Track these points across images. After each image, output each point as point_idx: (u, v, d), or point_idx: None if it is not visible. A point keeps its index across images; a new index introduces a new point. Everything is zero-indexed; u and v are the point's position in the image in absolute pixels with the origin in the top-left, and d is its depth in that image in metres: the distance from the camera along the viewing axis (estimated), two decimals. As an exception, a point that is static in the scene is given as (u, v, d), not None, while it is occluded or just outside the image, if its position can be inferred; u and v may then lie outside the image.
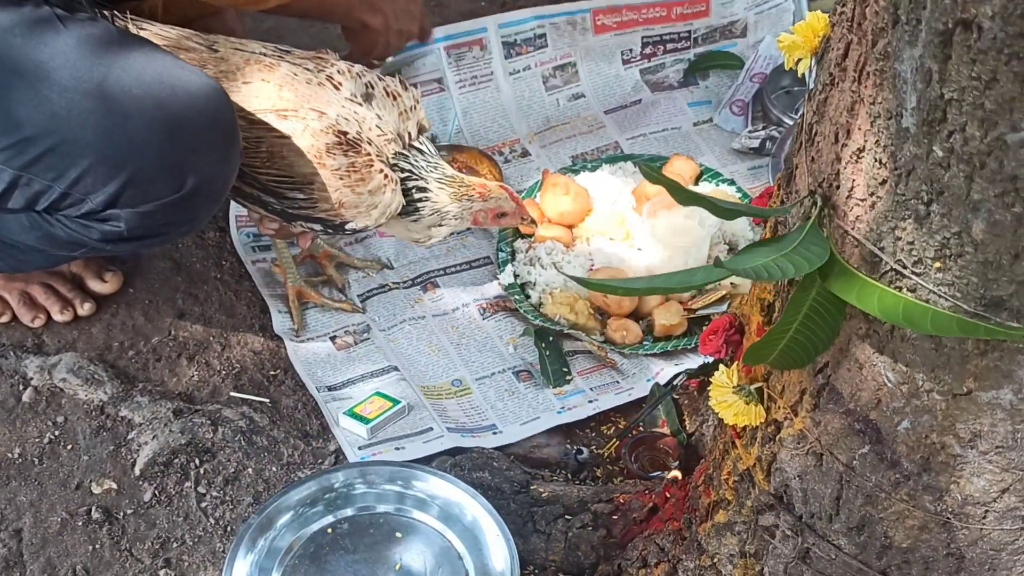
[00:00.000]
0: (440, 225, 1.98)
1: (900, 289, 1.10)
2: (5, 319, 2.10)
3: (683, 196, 1.20)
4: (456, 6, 2.77)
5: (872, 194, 1.09)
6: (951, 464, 1.22)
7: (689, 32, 2.61)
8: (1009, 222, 0.97)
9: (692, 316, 2.12)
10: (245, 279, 2.21)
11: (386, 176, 1.85)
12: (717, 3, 2.62)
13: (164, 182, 1.72)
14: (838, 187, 1.16)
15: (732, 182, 2.33)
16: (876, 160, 1.06)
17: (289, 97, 1.85)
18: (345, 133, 1.83)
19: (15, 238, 1.88)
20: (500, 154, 2.44)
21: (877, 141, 1.05)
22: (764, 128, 2.43)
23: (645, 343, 2.08)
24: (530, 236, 2.23)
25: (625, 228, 2.23)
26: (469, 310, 2.18)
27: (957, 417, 1.18)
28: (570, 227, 2.25)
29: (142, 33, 1.86)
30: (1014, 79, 0.86)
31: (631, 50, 2.57)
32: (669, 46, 2.59)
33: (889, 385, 1.21)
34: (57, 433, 1.94)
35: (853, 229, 1.15)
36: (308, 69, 1.87)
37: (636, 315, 2.13)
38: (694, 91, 2.56)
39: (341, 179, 1.86)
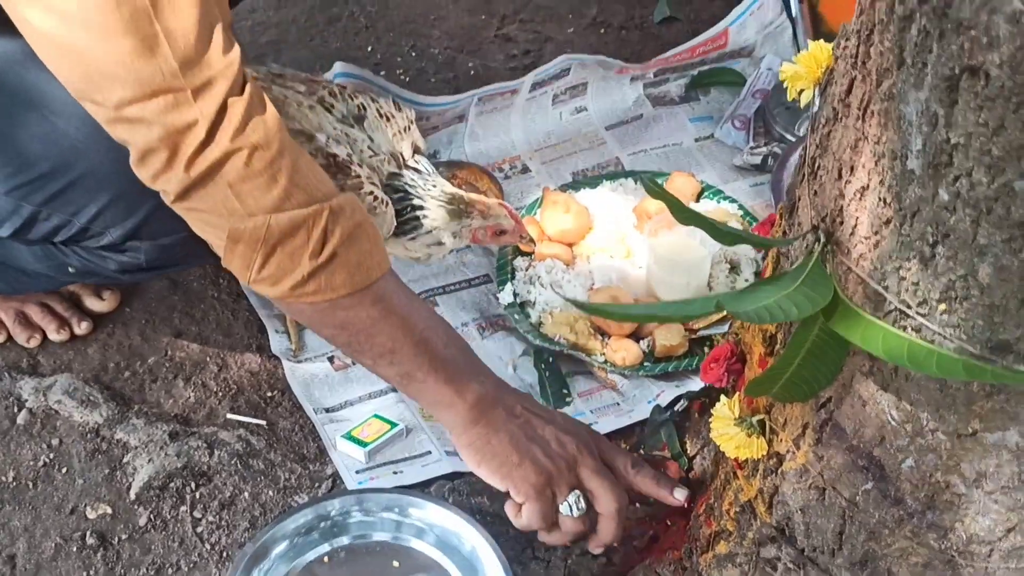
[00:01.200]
0: (439, 243, 1.96)
1: (904, 329, 1.08)
2: (0, 339, 2.08)
3: (684, 215, 1.19)
4: (456, 19, 2.75)
5: (876, 233, 1.07)
6: (956, 503, 1.20)
7: (703, 60, 2.60)
8: (1016, 268, 0.95)
9: (693, 336, 2.10)
10: (243, 298, 2.19)
11: (376, 198, 1.83)
12: (734, 33, 2.62)
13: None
14: (841, 223, 1.14)
15: (733, 200, 2.31)
16: (880, 199, 1.04)
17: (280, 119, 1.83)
18: (335, 156, 1.82)
19: (25, 266, 1.86)
20: (500, 171, 2.42)
21: (881, 180, 1.03)
22: (766, 144, 2.41)
23: (646, 364, 2.06)
24: (530, 254, 2.21)
25: (626, 246, 2.21)
26: (468, 329, 2.16)
27: (962, 457, 1.16)
28: (570, 245, 2.23)
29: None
30: (1022, 127, 0.84)
31: (643, 74, 2.56)
32: (677, 65, 2.59)
33: (893, 423, 1.19)
34: (52, 456, 1.92)
35: (857, 266, 1.13)
36: (300, 92, 1.86)
37: (637, 335, 2.11)
38: (695, 106, 2.54)
39: None
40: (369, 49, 2.68)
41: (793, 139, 2.39)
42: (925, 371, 1.04)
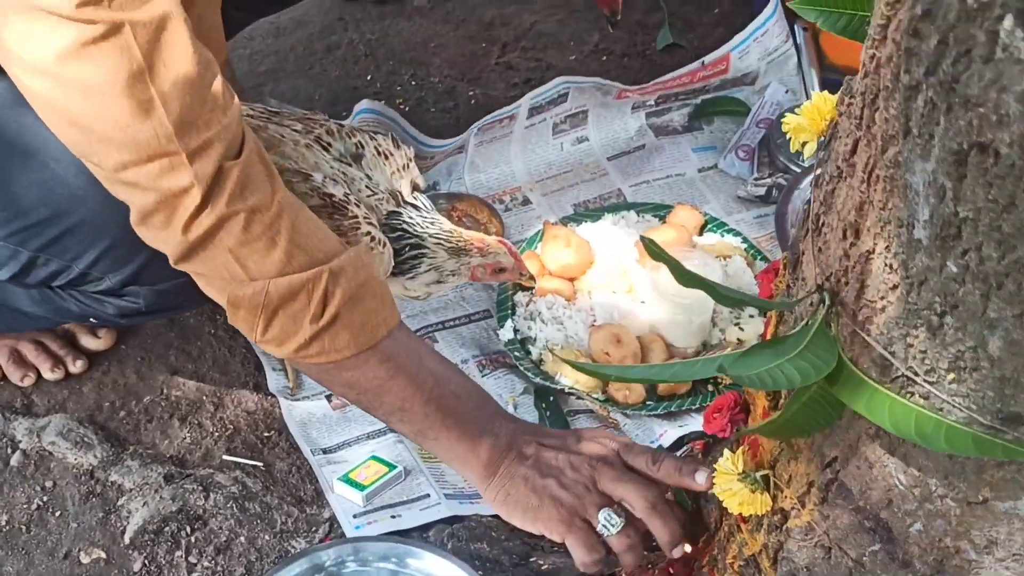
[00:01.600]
0: (439, 282, 1.93)
1: (912, 396, 1.05)
2: (-5, 378, 2.06)
3: (686, 278, 1.16)
4: (456, 47, 2.72)
5: (883, 298, 1.04)
6: (966, 568, 1.17)
7: (705, 87, 2.57)
8: (1028, 342, 0.92)
9: (697, 375, 2.07)
10: (239, 335, 2.13)
11: (373, 239, 1.81)
12: (735, 59, 2.59)
13: None
14: (847, 283, 1.11)
15: (737, 232, 2.28)
16: (887, 265, 1.01)
17: (274, 160, 1.80)
18: (331, 196, 1.79)
19: (23, 308, 1.83)
20: (501, 202, 2.39)
21: (887, 247, 0.99)
22: (771, 175, 2.38)
23: (648, 403, 2.03)
24: (530, 289, 2.18)
25: (628, 280, 2.18)
26: (468, 367, 2.12)
27: (972, 524, 1.12)
28: (571, 280, 2.20)
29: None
30: (1034, 205, 0.81)
31: (644, 102, 2.53)
32: (682, 97, 2.56)
33: (900, 487, 1.15)
34: (46, 499, 1.89)
35: (863, 330, 1.09)
36: (296, 131, 1.83)
37: (639, 372, 2.08)
38: (699, 136, 2.51)
39: None
40: (368, 78, 2.66)
41: (798, 170, 2.36)
42: (934, 447, 1.00)
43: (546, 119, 2.49)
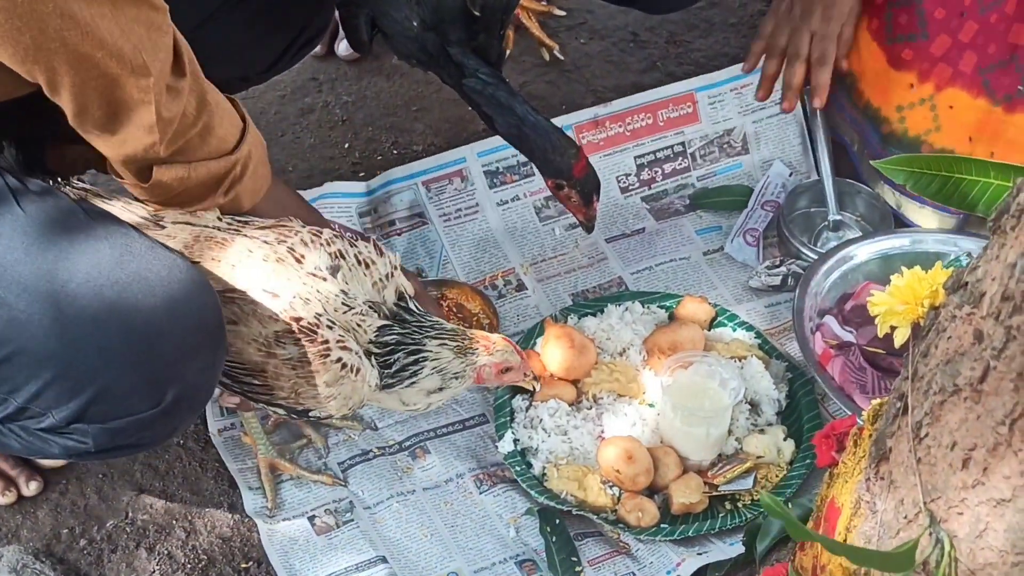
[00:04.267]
0: (441, 389, 1.76)
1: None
2: (-61, 504, 1.85)
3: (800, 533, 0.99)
4: (440, 111, 2.53)
5: (1020, 554, 0.87)
6: None
7: (683, 145, 2.39)
8: None
9: (715, 493, 1.91)
10: (211, 447, 1.97)
11: (344, 366, 1.63)
12: (705, 105, 2.42)
13: (139, 397, 1.48)
14: (960, 514, 0.95)
15: (751, 327, 2.11)
16: (1030, 524, 0.84)
17: (240, 278, 1.62)
18: (299, 319, 1.61)
19: None
20: (493, 287, 2.21)
21: (1035, 507, 0.83)
22: (783, 263, 2.22)
23: (663, 526, 1.86)
24: (531, 392, 2.00)
25: (636, 383, 2.01)
26: (464, 482, 1.95)
27: None
28: (574, 382, 2.02)
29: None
30: None
31: (627, 175, 2.35)
32: (667, 167, 2.38)
33: None
34: (-2, 649, 1.69)
35: (982, 572, 0.93)
36: (267, 242, 1.64)
37: (651, 488, 1.91)
38: (703, 216, 2.34)
39: (294, 369, 1.64)
40: (347, 146, 2.46)
41: (812, 255, 2.20)
42: None
43: (521, 198, 2.30)
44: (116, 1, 1.34)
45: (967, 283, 0.95)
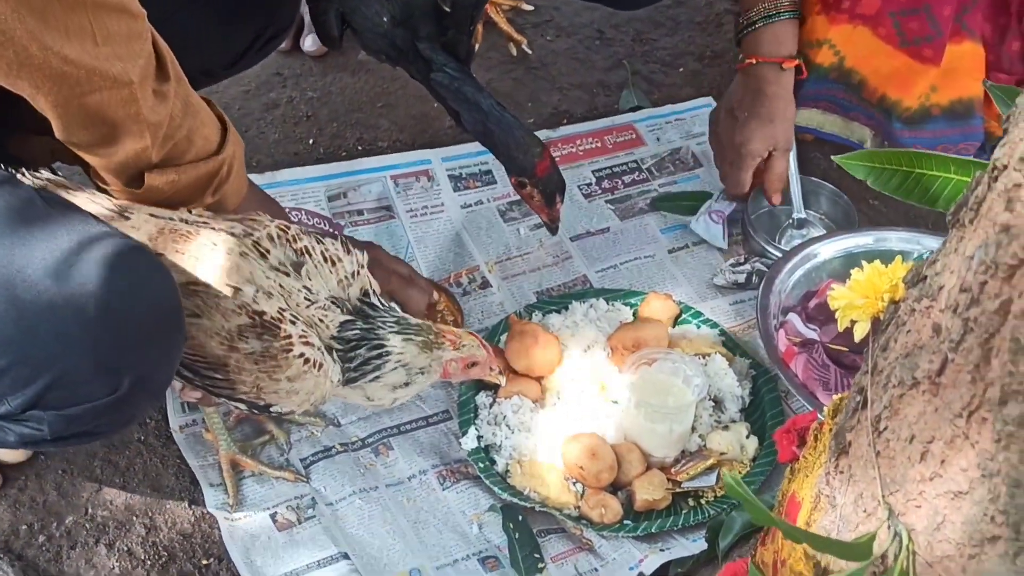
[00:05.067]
0: (406, 384, 1.75)
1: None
2: None
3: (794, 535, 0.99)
4: (406, 107, 2.52)
5: (977, 546, 0.87)
6: None
7: (637, 163, 2.41)
8: None
9: (678, 490, 1.91)
10: (172, 443, 1.95)
11: (307, 361, 1.62)
12: (647, 132, 2.44)
13: (96, 384, 1.46)
14: (918, 507, 0.95)
15: (714, 324, 2.12)
16: (987, 516, 0.85)
17: (203, 271, 1.61)
18: (262, 313, 1.60)
19: None
20: (458, 284, 2.21)
21: (992, 499, 0.83)
22: (747, 260, 2.22)
23: (626, 523, 1.86)
24: (495, 387, 2.00)
25: (599, 380, 2.01)
26: (427, 478, 1.94)
27: None
28: (538, 379, 2.02)
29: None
30: None
31: (588, 184, 2.36)
32: (627, 179, 2.39)
33: None
34: (-46, 646, 1.68)
35: (940, 565, 0.93)
36: (233, 234, 1.63)
37: (615, 485, 1.91)
38: (667, 216, 2.34)
39: (256, 363, 1.63)
40: (311, 142, 2.45)
41: (777, 253, 2.20)
42: None
43: (484, 203, 2.30)
44: (96, 15, 1.34)
45: (926, 277, 0.95)
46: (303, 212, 2.21)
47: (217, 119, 1.63)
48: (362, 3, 1.95)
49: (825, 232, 2.26)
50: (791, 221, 2.31)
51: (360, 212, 2.25)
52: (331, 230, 2.20)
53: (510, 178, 2.02)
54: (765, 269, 2.18)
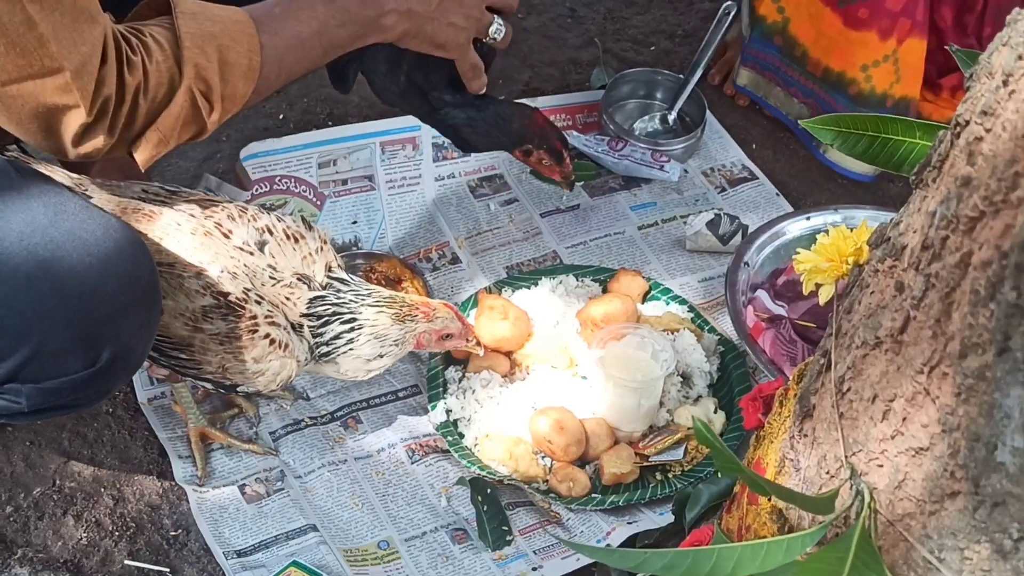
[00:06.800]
0: (380, 356, 1.76)
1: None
2: None
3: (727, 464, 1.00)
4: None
5: (937, 502, 0.89)
6: None
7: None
8: None
9: (646, 464, 1.92)
10: (140, 415, 1.95)
11: (272, 342, 1.63)
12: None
13: (74, 356, 1.46)
14: (880, 466, 0.96)
15: (683, 300, 2.13)
16: (947, 471, 0.86)
17: (167, 251, 1.61)
18: (226, 294, 1.61)
19: None
20: (428, 260, 2.21)
21: (952, 453, 0.84)
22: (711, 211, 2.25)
23: (594, 496, 1.87)
24: (464, 362, 2.01)
25: (568, 355, 2.02)
26: (396, 451, 1.94)
27: None
28: (508, 353, 2.03)
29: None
30: None
31: None
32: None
33: None
34: (-80, 616, 1.67)
35: (901, 523, 0.94)
36: (194, 215, 1.64)
37: (583, 459, 1.92)
38: (637, 194, 2.35)
39: (221, 344, 1.64)
40: (281, 117, 2.45)
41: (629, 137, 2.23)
42: None
43: (457, 176, 2.31)
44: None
45: (889, 238, 0.96)
46: (292, 179, 2.22)
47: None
48: (379, 64, 1.94)
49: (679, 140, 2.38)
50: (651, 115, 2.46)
51: (344, 182, 2.25)
52: (314, 200, 2.21)
53: (514, 154, 2.04)
54: (735, 215, 2.21)
